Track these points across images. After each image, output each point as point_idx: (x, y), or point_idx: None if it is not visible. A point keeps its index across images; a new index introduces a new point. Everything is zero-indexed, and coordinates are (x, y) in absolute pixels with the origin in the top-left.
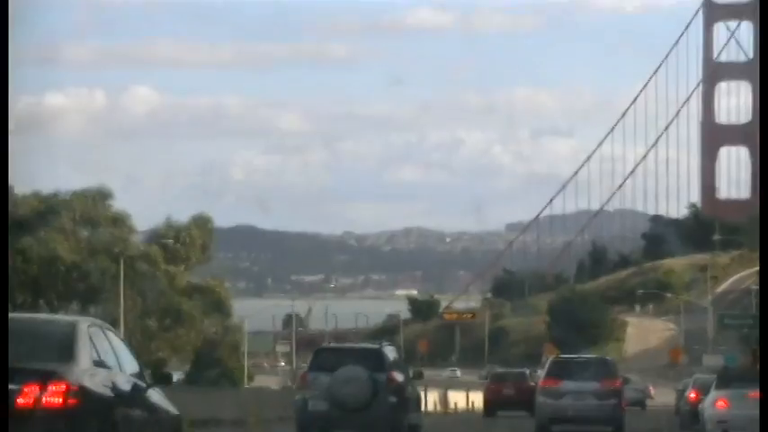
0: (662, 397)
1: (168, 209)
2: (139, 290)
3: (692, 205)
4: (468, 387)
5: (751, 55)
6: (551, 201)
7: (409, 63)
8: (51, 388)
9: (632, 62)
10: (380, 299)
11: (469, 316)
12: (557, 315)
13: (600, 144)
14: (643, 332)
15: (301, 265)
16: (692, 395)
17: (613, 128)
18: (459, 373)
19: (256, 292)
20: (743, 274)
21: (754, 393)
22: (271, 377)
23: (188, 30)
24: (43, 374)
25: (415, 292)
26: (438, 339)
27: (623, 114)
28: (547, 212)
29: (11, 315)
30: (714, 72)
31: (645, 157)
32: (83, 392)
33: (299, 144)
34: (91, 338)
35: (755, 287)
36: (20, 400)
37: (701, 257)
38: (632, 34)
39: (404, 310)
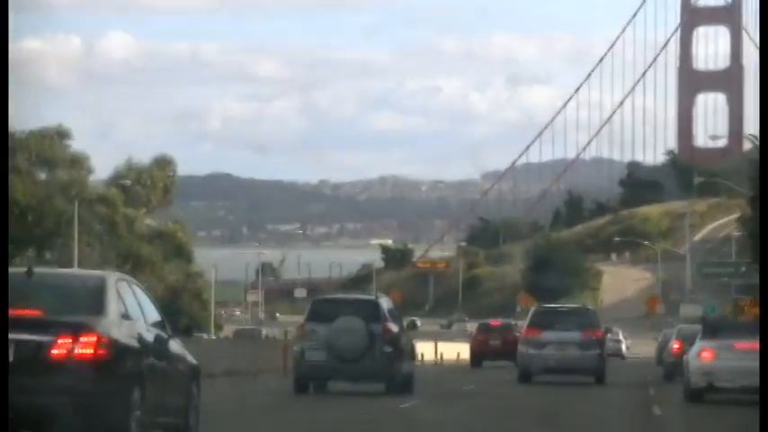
0: (640, 347)
1: (143, 157)
2: (97, 234)
3: (670, 152)
4: (435, 338)
5: None
6: (527, 149)
7: (387, 9)
8: (83, 339)
9: (612, 7)
10: (355, 248)
11: (443, 265)
12: (531, 264)
13: (576, 91)
14: (619, 281)
15: (277, 214)
16: (676, 346)
17: (589, 75)
18: (419, 323)
19: (231, 241)
20: (721, 221)
21: (742, 344)
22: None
23: None
24: (75, 326)
25: (389, 242)
26: (411, 289)
27: (600, 61)
28: (523, 161)
29: (43, 270)
30: (692, 16)
31: (621, 103)
32: (112, 344)
33: (276, 91)
34: (118, 292)
35: (737, 233)
36: (54, 351)
37: (678, 205)
38: None
39: (378, 260)
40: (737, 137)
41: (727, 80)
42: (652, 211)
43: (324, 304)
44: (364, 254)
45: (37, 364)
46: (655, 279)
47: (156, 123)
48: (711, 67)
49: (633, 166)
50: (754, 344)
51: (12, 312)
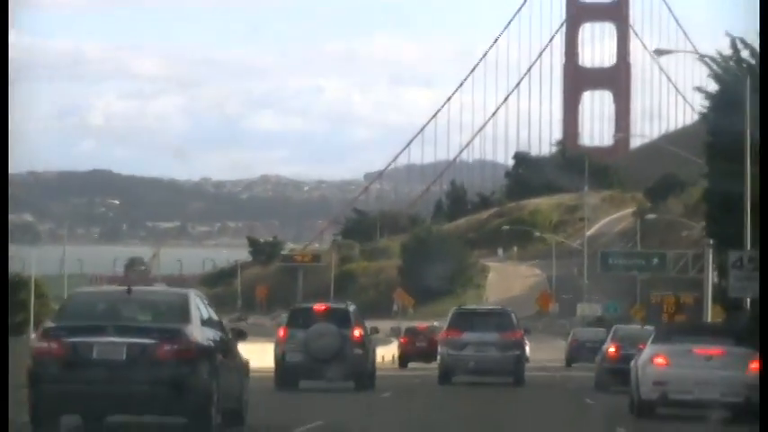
0: (538, 351)
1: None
2: None
3: (559, 142)
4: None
5: None
6: (407, 146)
7: (270, 8)
8: (178, 342)
9: (496, 8)
10: (236, 246)
11: (308, 258)
12: (410, 258)
13: (456, 90)
14: (506, 278)
15: (157, 212)
16: (612, 350)
17: (470, 73)
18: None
19: (111, 239)
20: (614, 216)
21: (702, 349)
22: None
23: None
24: (172, 332)
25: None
26: (279, 284)
27: (481, 58)
28: (405, 162)
29: (138, 287)
30: (578, 13)
31: (506, 100)
32: (198, 345)
33: (158, 89)
34: (197, 304)
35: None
36: (157, 351)
37: (569, 197)
38: None
39: (244, 253)
40: (624, 136)
41: (614, 78)
42: (541, 203)
43: (301, 312)
44: (244, 253)
45: (144, 361)
46: (545, 276)
47: (37, 120)
48: (597, 64)
49: (520, 157)
50: (716, 349)
51: (121, 322)
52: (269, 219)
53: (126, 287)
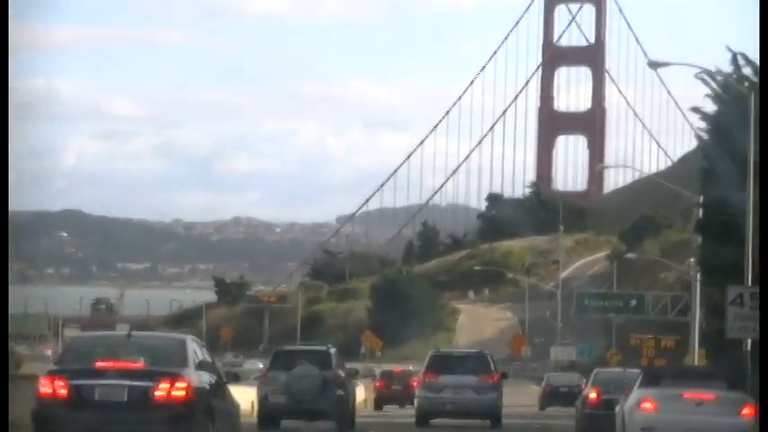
0: (510, 395)
1: None
2: None
3: (533, 184)
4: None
5: (592, 39)
6: (379, 189)
7: (246, 50)
8: (177, 384)
9: (472, 53)
10: (207, 288)
11: (274, 299)
12: (379, 300)
13: (429, 134)
14: (477, 321)
15: (128, 253)
16: (593, 395)
17: (444, 116)
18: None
19: (81, 279)
20: (588, 259)
21: (692, 393)
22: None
23: (19, 11)
24: (171, 375)
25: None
26: (245, 326)
27: (455, 102)
28: (378, 205)
29: (137, 332)
30: (553, 56)
31: (479, 143)
32: (195, 387)
33: (132, 130)
34: (193, 349)
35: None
36: (157, 393)
37: (542, 240)
38: (473, 24)
39: (212, 295)
40: (598, 180)
41: (588, 123)
42: (514, 245)
43: (283, 355)
44: (212, 294)
45: (144, 402)
46: (516, 319)
47: (9, 159)
48: (573, 108)
49: (493, 199)
50: (707, 393)
51: (122, 365)
52: (240, 261)
53: (126, 332)
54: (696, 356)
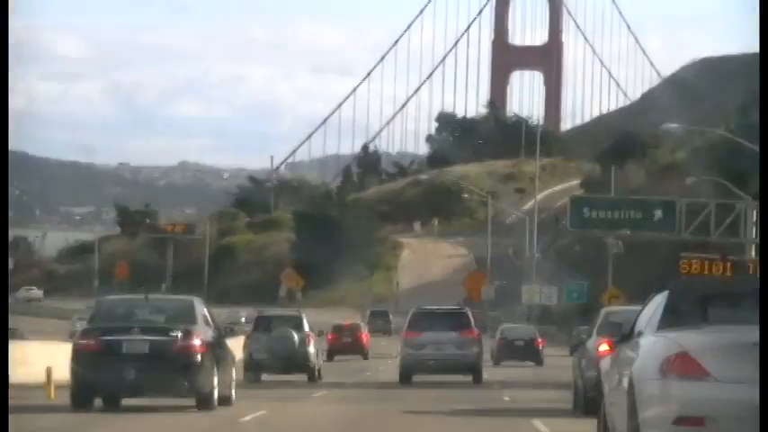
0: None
1: None
2: None
3: (491, 103)
4: None
5: None
6: (310, 136)
7: None
8: (190, 338)
9: None
10: None
11: (180, 228)
12: (304, 231)
13: (364, 79)
14: (424, 258)
15: (72, 197)
16: (604, 348)
17: (380, 61)
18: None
19: (23, 223)
20: (556, 188)
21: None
22: None
23: None
24: (185, 331)
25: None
26: (145, 260)
27: (391, 47)
28: (320, 153)
29: (153, 295)
30: None
31: (429, 76)
32: (204, 341)
33: (79, 72)
34: (201, 309)
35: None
36: (174, 345)
37: (502, 164)
38: None
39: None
40: (554, 118)
41: (545, 58)
42: (469, 170)
43: (263, 319)
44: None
45: (163, 353)
46: (472, 257)
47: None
48: (528, 42)
49: (444, 119)
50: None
51: (143, 323)
52: (186, 206)
53: (143, 296)
54: None
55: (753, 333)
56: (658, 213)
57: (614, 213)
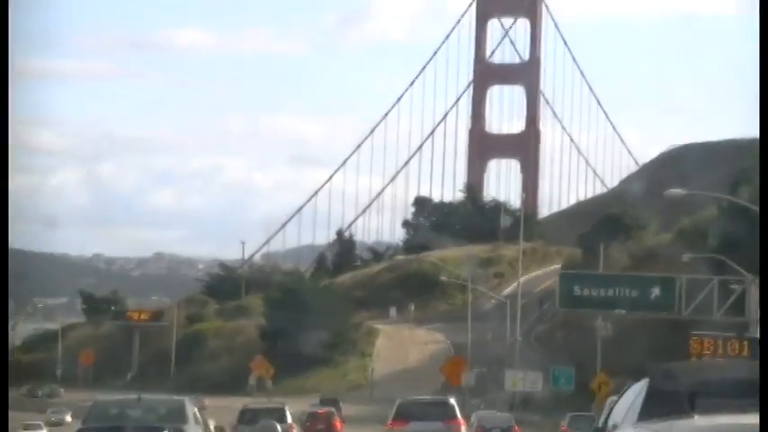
0: None
1: None
2: None
3: (469, 187)
4: None
5: (526, 56)
6: (284, 226)
7: (174, 84)
8: None
9: (402, 83)
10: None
11: (147, 316)
12: (275, 317)
13: (338, 169)
14: (399, 344)
15: (46, 288)
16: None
17: (359, 146)
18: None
19: None
20: (537, 273)
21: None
22: None
23: None
24: (178, 429)
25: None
26: (110, 348)
27: (366, 137)
28: (300, 242)
29: (145, 395)
30: (485, 73)
31: (406, 164)
32: None
33: (55, 163)
34: (191, 408)
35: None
36: None
37: (480, 249)
38: (402, 55)
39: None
40: (531, 205)
41: (522, 146)
42: (447, 255)
43: (247, 412)
44: None
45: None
46: (449, 343)
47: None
48: (506, 130)
49: (421, 203)
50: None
51: (136, 422)
52: (161, 296)
53: (137, 396)
54: None
55: (747, 423)
56: (656, 291)
57: (608, 291)
